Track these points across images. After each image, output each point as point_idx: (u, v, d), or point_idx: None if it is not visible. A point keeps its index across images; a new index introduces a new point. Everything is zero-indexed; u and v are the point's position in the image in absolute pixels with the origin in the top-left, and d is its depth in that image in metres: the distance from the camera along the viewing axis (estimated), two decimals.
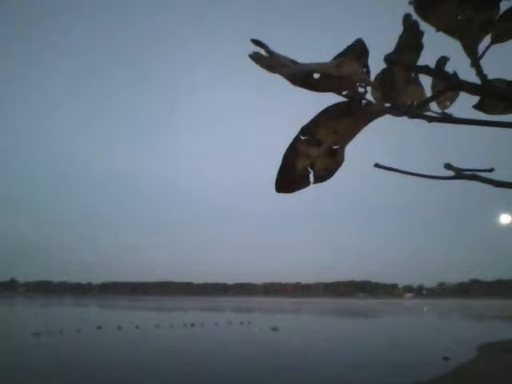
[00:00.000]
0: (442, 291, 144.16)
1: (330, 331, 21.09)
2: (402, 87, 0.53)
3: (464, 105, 0.56)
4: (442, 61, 0.53)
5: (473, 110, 0.56)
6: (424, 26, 0.48)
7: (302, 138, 0.50)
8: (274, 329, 20.39)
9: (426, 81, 0.55)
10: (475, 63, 0.46)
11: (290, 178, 0.51)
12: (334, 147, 0.51)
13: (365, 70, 0.49)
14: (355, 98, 0.50)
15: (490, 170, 0.58)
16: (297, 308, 56.72)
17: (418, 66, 0.50)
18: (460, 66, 0.48)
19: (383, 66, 0.50)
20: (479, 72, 0.46)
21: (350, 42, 0.50)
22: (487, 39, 0.47)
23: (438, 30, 0.47)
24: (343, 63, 0.48)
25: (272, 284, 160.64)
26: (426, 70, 0.48)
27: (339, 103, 0.50)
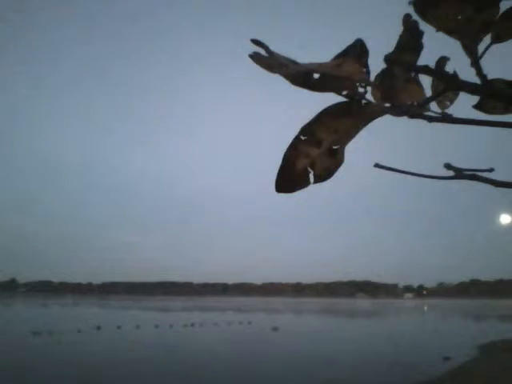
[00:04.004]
0: (441, 291, 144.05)
1: (330, 331, 21.08)
2: (402, 87, 0.53)
3: (464, 105, 0.56)
4: (442, 61, 0.53)
5: (473, 109, 0.56)
6: (424, 26, 0.48)
7: (302, 137, 0.50)
8: (275, 329, 20.38)
9: (426, 81, 0.55)
10: (475, 63, 0.46)
11: (290, 178, 0.51)
12: (334, 147, 0.51)
13: (365, 69, 0.49)
14: (355, 98, 0.50)
15: (490, 170, 0.59)
16: (297, 308, 56.69)
17: (418, 66, 0.50)
18: (460, 66, 0.48)
19: (383, 66, 0.50)
20: (479, 72, 0.46)
21: (350, 42, 0.50)
22: (487, 39, 0.47)
23: (438, 30, 0.47)
24: (343, 63, 0.48)
25: (272, 284, 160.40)
26: (426, 70, 0.48)
27: (339, 103, 0.50)
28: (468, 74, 0.47)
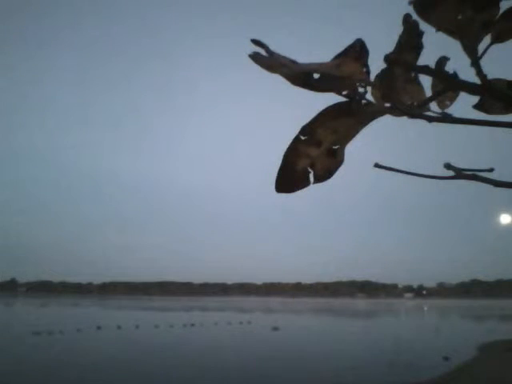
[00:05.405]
0: (442, 291, 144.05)
1: (330, 331, 21.09)
2: (402, 87, 0.53)
3: (464, 105, 0.56)
4: (442, 61, 0.53)
5: (473, 109, 0.56)
6: (424, 26, 0.48)
7: (302, 137, 0.50)
8: (275, 329, 20.38)
9: (426, 81, 0.55)
10: (475, 63, 0.46)
11: (289, 178, 0.51)
12: (334, 147, 0.51)
13: (365, 69, 0.49)
14: (355, 98, 0.50)
15: (490, 170, 0.58)
16: (297, 308, 56.70)
17: (418, 66, 0.50)
18: (460, 66, 0.48)
19: (383, 65, 0.50)
20: (479, 72, 0.46)
21: (350, 42, 0.50)
22: (487, 39, 0.47)
23: (438, 29, 0.47)
24: (343, 63, 0.48)
25: (272, 284, 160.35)
26: (426, 70, 0.48)
27: (339, 103, 0.50)
28: (468, 74, 0.47)
